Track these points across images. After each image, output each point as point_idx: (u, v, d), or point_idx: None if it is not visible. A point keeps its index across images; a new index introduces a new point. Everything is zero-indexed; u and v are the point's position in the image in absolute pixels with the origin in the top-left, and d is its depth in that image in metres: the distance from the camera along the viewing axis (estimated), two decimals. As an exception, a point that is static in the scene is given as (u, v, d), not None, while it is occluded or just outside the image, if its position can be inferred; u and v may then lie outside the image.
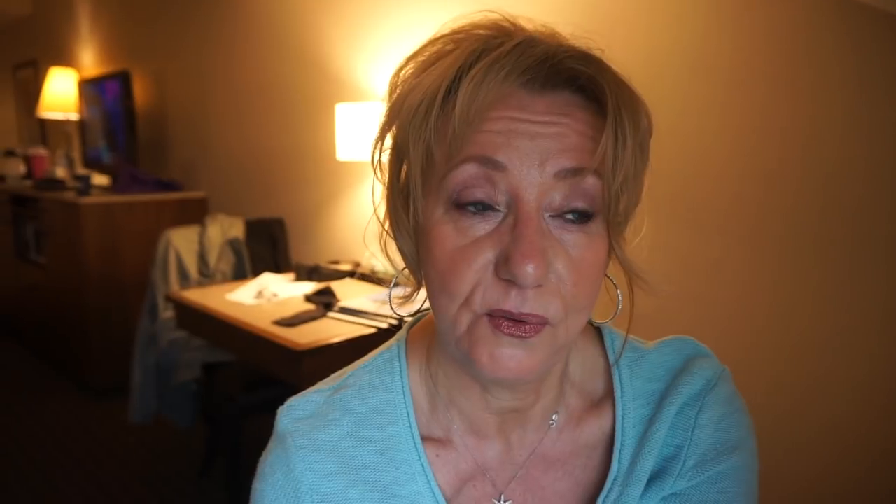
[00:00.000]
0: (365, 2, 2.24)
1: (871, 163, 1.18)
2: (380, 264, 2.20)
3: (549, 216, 0.43)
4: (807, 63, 1.24)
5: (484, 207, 0.43)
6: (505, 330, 0.42)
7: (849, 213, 1.22)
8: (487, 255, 0.43)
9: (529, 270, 0.40)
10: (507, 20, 0.46)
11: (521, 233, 0.41)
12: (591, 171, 0.42)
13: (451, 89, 0.43)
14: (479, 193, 0.43)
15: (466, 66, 0.43)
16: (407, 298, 0.55)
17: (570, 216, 0.43)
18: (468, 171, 0.43)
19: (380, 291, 2.00)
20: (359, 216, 2.38)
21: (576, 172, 0.42)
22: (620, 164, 0.42)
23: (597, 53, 0.44)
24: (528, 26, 0.46)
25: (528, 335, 0.43)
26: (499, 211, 0.43)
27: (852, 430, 1.25)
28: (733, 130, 1.36)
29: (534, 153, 0.42)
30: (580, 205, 0.43)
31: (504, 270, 0.41)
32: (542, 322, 0.43)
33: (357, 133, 2.01)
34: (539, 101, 0.43)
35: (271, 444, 0.55)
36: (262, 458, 0.56)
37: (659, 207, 1.41)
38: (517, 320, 0.42)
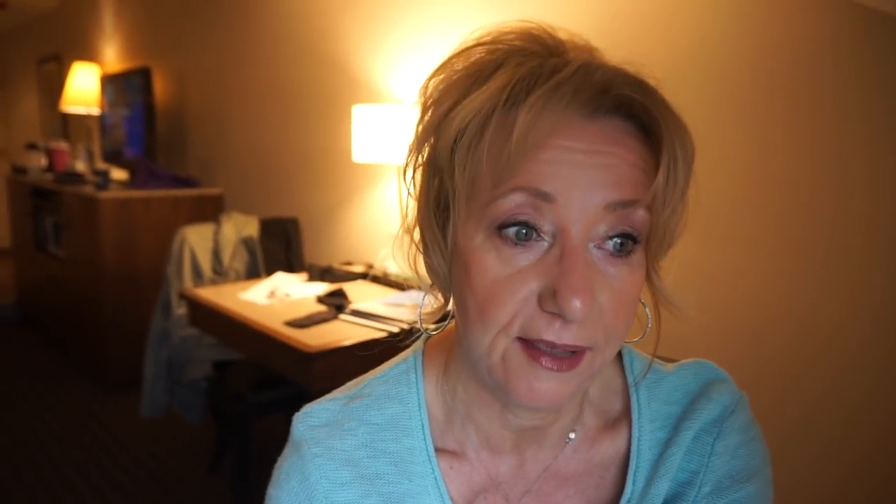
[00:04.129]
0: (384, 3, 2.24)
1: (893, 170, 1.16)
2: (393, 267, 2.19)
3: (594, 247, 0.43)
4: (829, 72, 1.22)
5: (527, 234, 0.42)
6: (544, 364, 0.42)
7: (869, 223, 1.20)
8: (531, 286, 0.42)
9: (577, 305, 0.39)
10: (544, 31, 0.44)
11: (569, 267, 0.40)
12: (643, 205, 0.42)
13: (508, 112, 0.42)
14: (524, 217, 0.42)
15: (522, 90, 0.41)
16: (434, 314, 0.54)
17: (613, 245, 0.43)
18: (515, 200, 0.42)
19: (392, 294, 1.99)
20: (373, 218, 2.38)
21: (626, 205, 0.41)
22: (671, 197, 0.42)
23: (650, 81, 0.43)
24: (564, 37, 0.45)
25: (566, 368, 0.43)
26: (543, 240, 0.42)
27: (871, 438, 1.23)
28: (754, 137, 1.34)
29: (583, 184, 0.41)
30: (625, 230, 0.42)
31: (551, 304, 0.41)
32: (583, 351, 0.43)
33: (373, 135, 2.01)
34: (590, 127, 0.42)
35: (287, 451, 0.56)
36: (277, 464, 0.56)
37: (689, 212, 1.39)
38: (555, 354, 0.42)
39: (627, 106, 0.42)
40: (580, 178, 0.41)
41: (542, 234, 0.42)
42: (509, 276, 0.42)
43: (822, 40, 1.22)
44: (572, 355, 0.43)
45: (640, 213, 0.42)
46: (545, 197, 0.41)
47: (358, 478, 0.53)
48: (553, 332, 0.42)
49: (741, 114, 1.35)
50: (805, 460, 1.31)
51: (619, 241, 0.43)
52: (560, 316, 0.41)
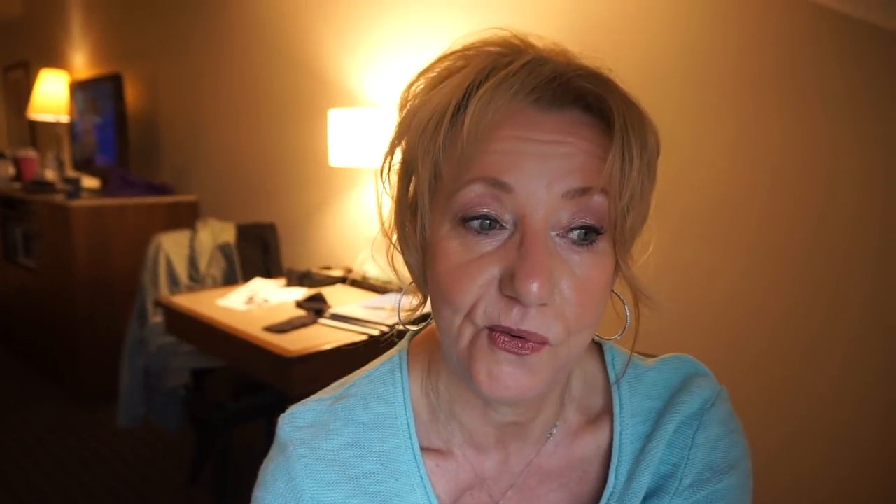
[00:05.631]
0: (359, 7, 2.24)
1: (876, 173, 1.18)
2: (372, 270, 2.19)
3: (557, 235, 0.43)
4: (807, 73, 1.24)
5: (490, 224, 0.43)
6: (501, 345, 0.43)
7: (850, 223, 1.22)
8: (492, 271, 0.43)
9: (533, 289, 0.40)
10: (517, 38, 0.46)
11: (526, 251, 0.42)
12: (599, 190, 0.42)
13: (460, 107, 0.43)
14: (485, 209, 0.43)
15: (475, 84, 0.43)
16: (413, 312, 0.55)
17: (576, 235, 0.43)
18: (475, 190, 0.43)
19: (371, 298, 1.99)
20: (351, 222, 2.38)
21: (583, 192, 0.42)
22: (627, 182, 0.42)
23: (605, 72, 0.45)
24: (539, 44, 0.46)
25: (526, 352, 0.43)
26: (505, 228, 0.43)
27: (858, 440, 1.25)
28: (731, 138, 1.36)
29: (541, 174, 0.42)
30: (587, 220, 0.43)
31: (508, 287, 0.42)
32: (542, 342, 0.43)
33: (350, 139, 2.01)
34: (547, 119, 0.43)
35: (273, 452, 0.56)
36: (263, 466, 0.56)
37: (655, 216, 1.41)
38: (515, 336, 0.43)
39: (584, 97, 0.44)
40: (537, 167, 0.42)
41: (503, 224, 0.43)
42: (471, 262, 0.44)
43: (802, 41, 1.24)
44: (534, 340, 0.43)
45: (598, 200, 0.43)
46: (503, 186, 0.43)
47: (344, 477, 0.53)
48: (511, 318, 0.42)
49: (724, 113, 1.37)
50: (792, 458, 1.32)
51: (582, 231, 0.44)
52: (518, 301, 0.42)
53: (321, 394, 0.57)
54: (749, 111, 1.33)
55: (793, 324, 1.31)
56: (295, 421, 0.55)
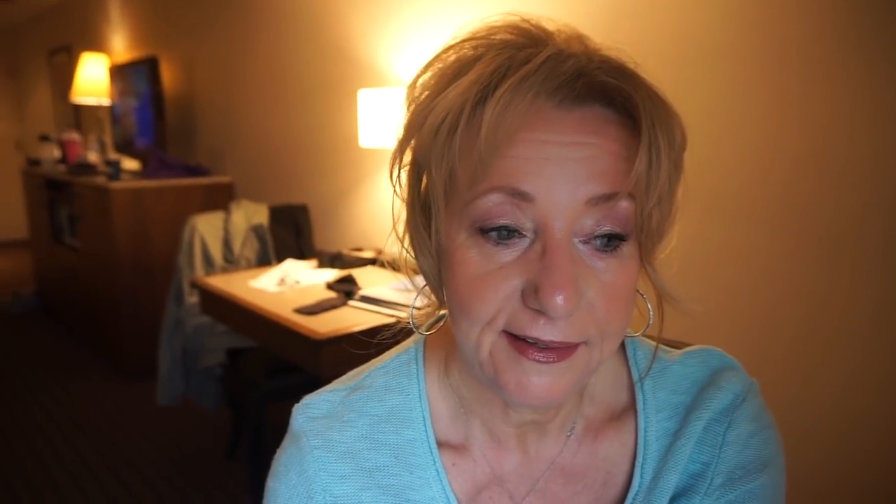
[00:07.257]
0: (388, -15, 2.21)
1: (893, 148, 1.13)
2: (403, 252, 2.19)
3: (580, 242, 0.41)
4: (841, 46, 1.18)
5: (509, 234, 0.41)
6: (531, 356, 0.41)
7: (886, 203, 1.16)
8: (513, 282, 0.41)
9: (559, 302, 0.38)
10: (528, 22, 0.43)
11: (550, 262, 0.39)
12: (625, 196, 0.40)
13: (476, 108, 0.41)
14: (505, 220, 0.41)
15: (492, 84, 0.40)
16: (428, 317, 0.55)
17: (600, 242, 0.41)
18: (493, 200, 0.41)
19: (401, 280, 1.99)
20: (381, 203, 2.38)
21: (608, 198, 0.40)
22: (654, 185, 0.40)
23: (630, 65, 0.41)
24: (550, 27, 0.43)
25: (555, 361, 0.41)
26: (525, 237, 0.41)
27: (872, 430, 1.22)
28: (762, 115, 1.30)
29: (563, 180, 0.40)
30: (612, 228, 0.41)
31: (533, 300, 0.40)
32: (574, 346, 0.42)
33: (380, 119, 2.00)
34: (568, 118, 0.41)
35: (286, 443, 0.55)
36: (276, 456, 0.56)
37: (686, 197, 1.37)
38: (544, 346, 0.41)
39: (606, 92, 0.41)
40: (558, 173, 0.40)
41: (523, 232, 0.41)
42: (491, 273, 0.42)
43: (836, 15, 1.18)
44: (564, 348, 0.42)
45: (624, 206, 0.41)
46: (523, 196, 0.40)
47: (357, 470, 0.52)
48: (538, 329, 0.41)
49: (748, 91, 1.31)
50: (826, 444, 1.29)
51: (606, 238, 0.42)
52: (544, 313, 0.40)
53: (336, 384, 0.57)
54: (792, 86, 1.26)
55: (817, 303, 1.27)
56: (309, 411, 0.55)
